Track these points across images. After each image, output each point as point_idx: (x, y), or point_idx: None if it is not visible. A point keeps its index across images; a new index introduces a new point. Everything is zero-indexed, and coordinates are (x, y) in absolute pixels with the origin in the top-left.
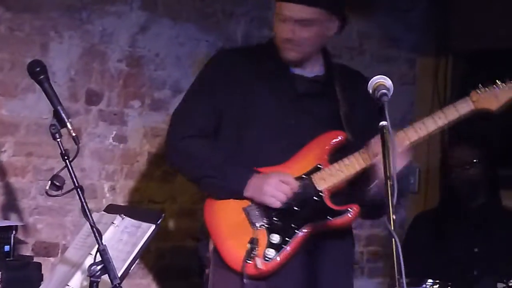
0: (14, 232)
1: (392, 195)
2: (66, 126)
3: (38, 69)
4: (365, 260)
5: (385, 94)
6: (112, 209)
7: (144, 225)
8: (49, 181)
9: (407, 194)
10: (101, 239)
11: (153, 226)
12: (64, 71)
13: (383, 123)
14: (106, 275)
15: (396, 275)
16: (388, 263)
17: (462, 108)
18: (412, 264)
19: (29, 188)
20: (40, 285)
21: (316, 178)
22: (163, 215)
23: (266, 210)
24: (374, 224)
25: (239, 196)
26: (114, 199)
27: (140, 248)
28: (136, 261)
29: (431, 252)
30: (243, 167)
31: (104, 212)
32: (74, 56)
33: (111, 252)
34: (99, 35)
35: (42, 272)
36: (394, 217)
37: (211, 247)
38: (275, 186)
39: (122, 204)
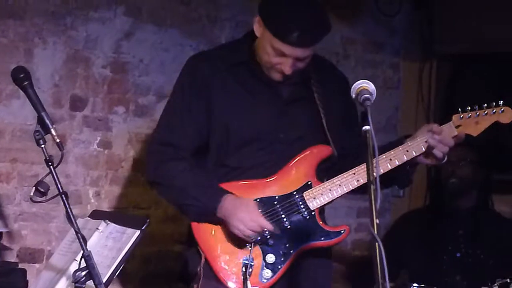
0: None
1: (376, 199)
2: (50, 132)
3: (22, 75)
4: (350, 264)
5: (368, 98)
6: (97, 215)
7: (129, 230)
8: (33, 187)
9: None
10: (85, 245)
11: (138, 232)
12: (48, 77)
13: (366, 127)
14: (91, 281)
15: (380, 279)
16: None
17: (448, 132)
18: (395, 264)
19: (13, 194)
20: None
21: (308, 197)
22: (148, 220)
23: None
24: (359, 228)
25: (213, 219)
26: (99, 205)
27: (125, 254)
28: (121, 267)
29: (414, 254)
30: (217, 185)
31: (89, 218)
32: (58, 62)
33: (96, 258)
34: (83, 41)
35: (27, 278)
36: (377, 221)
37: (202, 260)
38: (245, 223)
39: (107, 210)
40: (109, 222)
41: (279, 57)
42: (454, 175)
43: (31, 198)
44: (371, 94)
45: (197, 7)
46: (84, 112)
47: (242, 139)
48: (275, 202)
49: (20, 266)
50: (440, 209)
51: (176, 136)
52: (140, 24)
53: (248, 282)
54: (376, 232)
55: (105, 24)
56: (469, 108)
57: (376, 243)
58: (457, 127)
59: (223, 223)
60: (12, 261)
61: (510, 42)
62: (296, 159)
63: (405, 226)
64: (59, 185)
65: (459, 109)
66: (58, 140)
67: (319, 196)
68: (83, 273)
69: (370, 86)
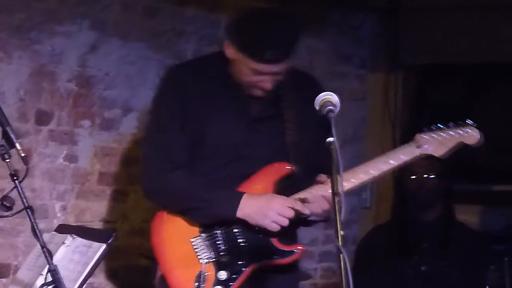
0: None
1: (340, 211)
2: (15, 146)
3: None
4: (318, 276)
5: (331, 110)
6: (63, 229)
7: (95, 244)
8: None
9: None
10: (51, 259)
11: (104, 246)
12: (14, 91)
13: (330, 139)
14: None
15: None
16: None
17: (406, 154)
18: (362, 282)
19: None
20: None
21: None
22: (114, 234)
23: (213, 244)
24: (327, 240)
25: (231, 218)
26: (66, 219)
27: (91, 268)
28: (87, 281)
29: (380, 269)
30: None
31: (55, 232)
32: (23, 77)
33: (62, 272)
34: (48, 55)
35: None
36: (342, 233)
37: (158, 274)
38: (278, 211)
39: (73, 224)
40: (75, 236)
41: (258, 76)
42: (421, 188)
43: None
44: (334, 106)
45: (163, 20)
46: (49, 126)
47: (208, 151)
48: None
49: None
50: (404, 222)
51: (172, 148)
52: (106, 37)
53: None
54: (341, 243)
55: (70, 38)
56: (435, 127)
57: (341, 255)
58: (419, 147)
59: (186, 234)
60: None
61: (474, 53)
62: (255, 176)
63: (373, 240)
64: (24, 200)
65: (424, 129)
66: (23, 155)
67: None
68: (50, 287)
69: (333, 97)
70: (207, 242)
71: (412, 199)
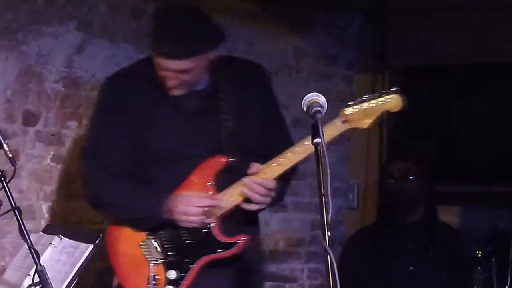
0: None
1: (327, 212)
2: (2, 147)
3: None
4: (305, 277)
5: (318, 111)
6: (50, 229)
7: (82, 245)
8: None
9: None
10: (39, 260)
11: (91, 246)
12: (1, 92)
13: (317, 140)
14: None
15: None
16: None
17: (333, 130)
18: (349, 283)
19: None
20: None
21: None
22: (101, 235)
23: (160, 245)
24: (313, 241)
25: (162, 221)
26: (53, 220)
27: (78, 269)
28: (75, 282)
29: (367, 271)
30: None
31: (42, 233)
32: (10, 77)
33: (50, 273)
34: (35, 56)
35: None
36: (329, 233)
37: (115, 282)
38: (185, 211)
39: (60, 225)
40: (62, 237)
41: (162, 71)
42: (401, 191)
43: None
44: (322, 106)
45: (149, 21)
46: (36, 127)
47: (151, 156)
48: None
49: None
50: (389, 224)
51: (108, 160)
52: (92, 38)
53: None
54: (328, 244)
55: (57, 39)
56: (359, 99)
57: (328, 256)
58: (344, 121)
59: (135, 238)
60: None
61: (461, 54)
62: (193, 175)
63: (358, 241)
64: (12, 200)
65: (348, 103)
66: (10, 155)
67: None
68: None
69: (321, 99)
70: (155, 244)
71: (394, 202)
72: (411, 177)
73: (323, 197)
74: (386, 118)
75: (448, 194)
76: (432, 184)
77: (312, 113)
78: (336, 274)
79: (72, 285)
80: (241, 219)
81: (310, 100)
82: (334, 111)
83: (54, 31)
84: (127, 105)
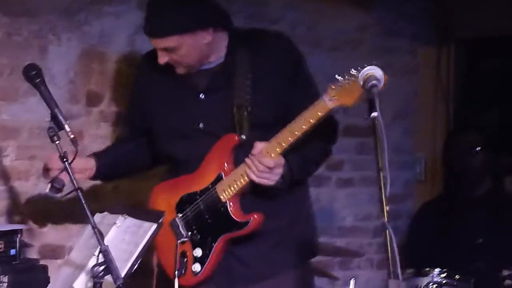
0: (19, 235)
1: (385, 186)
2: (64, 128)
3: (33, 72)
4: (373, 251)
5: (375, 85)
6: (114, 209)
7: (146, 224)
8: (49, 184)
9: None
10: (102, 240)
11: (154, 225)
12: (64, 73)
13: (374, 114)
14: (110, 275)
15: (391, 267)
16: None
17: (321, 110)
18: (416, 253)
19: (33, 191)
20: (46, 287)
21: (219, 189)
22: (164, 214)
23: (188, 224)
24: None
25: None
26: (116, 200)
27: (143, 248)
28: (139, 261)
29: (435, 243)
30: None
31: (106, 213)
32: (73, 58)
33: (114, 253)
34: (97, 36)
35: (49, 274)
36: (387, 208)
37: (155, 260)
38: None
39: (124, 204)
40: (126, 216)
41: (156, 49)
42: (468, 165)
43: (47, 195)
44: (378, 80)
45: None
46: (100, 107)
47: (167, 131)
48: (198, 197)
49: (41, 262)
50: (456, 197)
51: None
52: None
53: (176, 280)
54: (386, 219)
55: (119, 18)
56: (346, 74)
57: (387, 231)
58: (331, 99)
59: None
60: (33, 257)
61: None
62: (210, 151)
63: (425, 215)
64: (74, 181)
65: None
66: (72, 136)
67: (227, 188)
68: (101, 267)
69: (377, 71)
70: (182, 223)
71: (460, 175)
72: (477, 149)
73: (381, 172)
74: (453, 90)
75: None
76: (498, 156)
77: (368, 87)
78: (396, 249)
79: (137, 264)
80: (260, 197)
81: (366, 74)
82: (399, 83)
83: (116, 10)
84: (147, 81)
